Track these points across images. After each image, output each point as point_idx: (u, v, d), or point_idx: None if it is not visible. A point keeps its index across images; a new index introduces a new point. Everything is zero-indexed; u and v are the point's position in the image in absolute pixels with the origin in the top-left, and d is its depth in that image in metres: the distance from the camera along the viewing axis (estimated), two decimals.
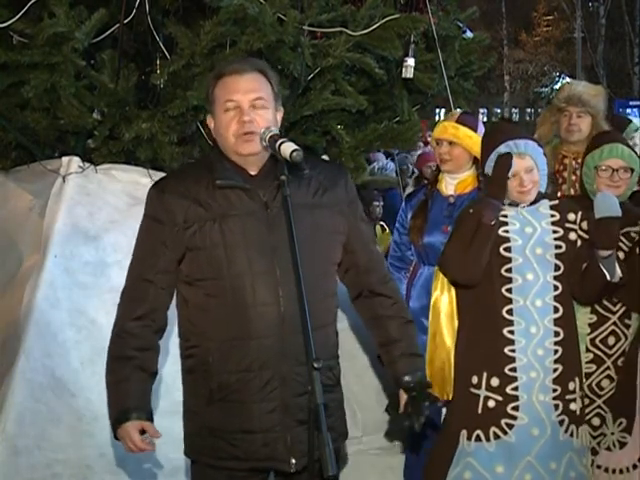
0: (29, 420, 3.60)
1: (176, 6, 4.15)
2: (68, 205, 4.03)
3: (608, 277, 3.44)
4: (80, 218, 4.02)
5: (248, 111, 2.60)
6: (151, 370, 2.72)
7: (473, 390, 3.50)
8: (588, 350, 3.78)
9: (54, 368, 3.73)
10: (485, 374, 3.48)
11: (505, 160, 3.45)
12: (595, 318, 3.79)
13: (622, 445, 3.69)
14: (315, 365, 2.22)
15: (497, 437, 3.45)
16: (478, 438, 3.46)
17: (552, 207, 3.58)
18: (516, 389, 3.45)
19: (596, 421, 3.76)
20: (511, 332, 3.47)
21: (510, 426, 3.45)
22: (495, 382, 3.46)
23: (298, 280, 2.35)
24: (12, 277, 4.03)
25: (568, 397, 3.51)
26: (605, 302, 3.77)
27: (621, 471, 3.68)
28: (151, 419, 2.68)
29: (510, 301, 3.48)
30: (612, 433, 3.71)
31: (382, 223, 7.88)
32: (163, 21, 4.15)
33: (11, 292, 3.98)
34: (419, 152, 9.53)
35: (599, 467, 3.71)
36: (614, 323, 3.78)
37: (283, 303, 2.59)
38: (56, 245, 3.91)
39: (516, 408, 3.45)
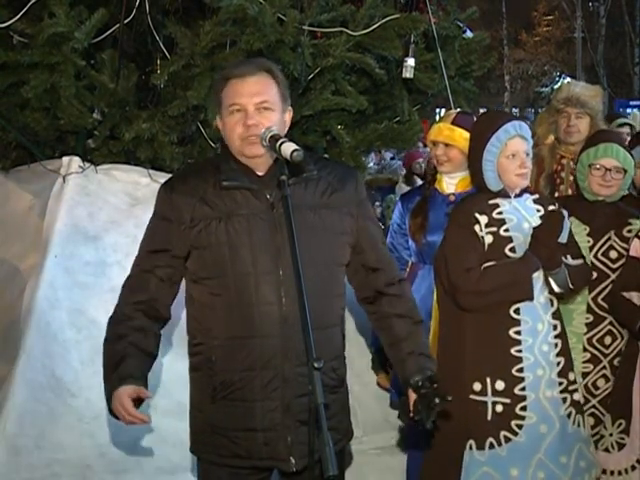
0: (29, 420, 3.59)
1: (176, 6, 4.15)
2: (68, 205, 4.03)
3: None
4: (80, 218, 4.02)
5: (253, 114, 2.60)
6: (147, 350, 2.69)
7: (477, 397, 3.40)
8: (585, 350, 3.79)
9: (54, 368, 3.73)
10: (489, 379, 3.40)
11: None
12: (592, 318, 3.79)
13: (621, 446, 3.69)
14: (315, 365, 2.21)
15: (508, 440, 3.38)
16: (492, 445, 3.38)
17: (535, 201, 3.56)
18: (523, 389, 3.41)
19: (590, 420, 3.75)
20: (517, 332, 3.42)
21: (520, 426, 3.39)
22: (500, 385, 3.39)
23: (298, 279, 2.35)
24: (12, 277, 4.03)
25: (571, 388, 3.51)
26: (601, 302, 3.78)
27: (620, 473, 3.68)
28: (145, 386, 2.64)
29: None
30: (611, 434, 3.71)
31: (380, 224, 7.88)
32: (163, 21, 4.14)
33: (11, 292, 3.98)
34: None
35: None
36: (610, 323, 3.79)
37: (285, 303, 2.60)
38: (56, 245, 3.91)
39: (524, 408, 3.40)
